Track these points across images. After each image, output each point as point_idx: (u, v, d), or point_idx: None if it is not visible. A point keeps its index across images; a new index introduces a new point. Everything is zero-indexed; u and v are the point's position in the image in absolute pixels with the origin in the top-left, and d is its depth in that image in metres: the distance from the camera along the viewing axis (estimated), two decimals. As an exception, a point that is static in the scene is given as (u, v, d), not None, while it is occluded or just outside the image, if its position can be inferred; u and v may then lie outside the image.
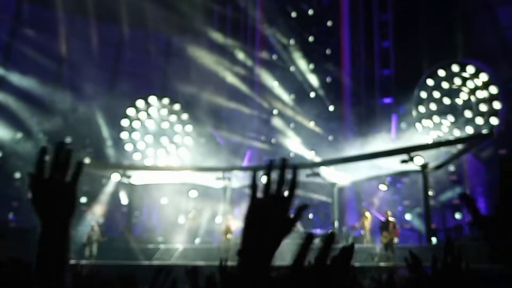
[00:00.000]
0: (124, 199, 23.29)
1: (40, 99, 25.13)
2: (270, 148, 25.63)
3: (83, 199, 24.88)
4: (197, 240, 20.37)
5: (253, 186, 1.18)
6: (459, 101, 21.01)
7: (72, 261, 16.30)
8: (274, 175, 1.19)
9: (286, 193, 1.17)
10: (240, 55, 27.90)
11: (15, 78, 24.68)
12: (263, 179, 1.18)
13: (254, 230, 1.13)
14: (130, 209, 21.56)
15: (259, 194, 1.17)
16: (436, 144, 17.33)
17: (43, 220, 1.26)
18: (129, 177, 20.24)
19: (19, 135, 25.03)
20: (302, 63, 27.02)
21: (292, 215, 1.16)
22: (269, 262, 1.13)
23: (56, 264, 1.21)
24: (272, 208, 1.14)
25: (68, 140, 22.06)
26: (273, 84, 27.84)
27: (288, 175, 1.18)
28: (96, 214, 22.82)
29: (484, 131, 18.70)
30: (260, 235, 1.12)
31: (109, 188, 23.60)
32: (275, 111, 27.30)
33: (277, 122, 26.61)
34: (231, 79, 27.30)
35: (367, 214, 19.40)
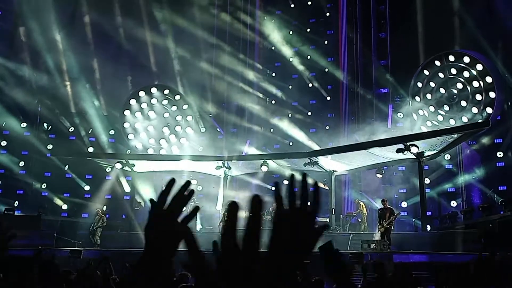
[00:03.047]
0: (126, 187, 23.77)
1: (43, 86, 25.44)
2: (269, 137, 25.97)
3: (87, 187, 25.36)
4: (198, 227, 20.87)
5: (278, 197, 1.24)
6: (454, 91, 21.31)
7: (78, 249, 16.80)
8: (297, 188, 1.26)
9: (310, 208, 1.19)
10: (238, 46, 28.11)
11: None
12: (287, 191, 1.26)
13: (282, 242, 1.15)
14: (133, 196, 22.02)
15: (284, 206, 1.22)
16: (432, 134, 17.64)
17: (147, 246, 1.29)
18: (132, 165, 20.65)
19: (23, 124, 25.39)
20: (299, 53, 27.28)
21: (316, 231, 1.17)
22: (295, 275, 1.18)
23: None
24: (298, 222, 1.17)
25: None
26: (272, 73, 28.17)
27: (311, 190, 1.22)
28: (99, 202, 23.30)
29: (480, 121, 19.03)
30: (288, 247, 1.13)
31: (112, 177, 24.07)
32: (273, 101, 27.64)
33: (275, 111, 26.93)
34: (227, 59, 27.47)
35: (361, 202, 19.90)
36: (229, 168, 20.84)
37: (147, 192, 23.21)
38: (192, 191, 1.31)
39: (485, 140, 20.81)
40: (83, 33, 26.12)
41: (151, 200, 1.32)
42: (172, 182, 1.32)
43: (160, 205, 1.29)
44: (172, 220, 1.27)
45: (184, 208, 1.30)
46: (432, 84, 21.84)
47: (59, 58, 25.59)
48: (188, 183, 1.32)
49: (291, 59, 27.32)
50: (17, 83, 24.84)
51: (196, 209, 1.33)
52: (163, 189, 1.31)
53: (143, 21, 26.45)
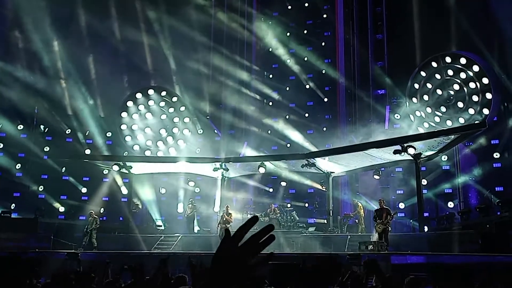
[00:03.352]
0: (124, 190, 23.71)
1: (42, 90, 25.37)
2: (266, 139, 25.97)
3: (84, 190, 25.29)
4: (196, 229, 20.84)
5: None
6: (451, 92, 21.38)
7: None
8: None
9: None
10: (235, 47, 28.12)
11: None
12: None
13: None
14: (130, 199, 21.97)
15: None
16: (429, 135, 17.67)
17: (212, 275, 1.27)
18: (129, 167, 20.62)
19: (20, 126, 25.30)
20: (296, 55, 27.31)
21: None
22: None
23: None
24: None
25: None
26: (269, 75, 28.20)
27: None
28: (96, 204, 23.25)
29: (477, 122, 19.10)
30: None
31: (109, 179, 24.03)
32: (271, 103, 27.65)
33: (272, 113, 26.95)
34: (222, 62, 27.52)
35: (359, 203, 19.90)
36: (227, 169, 20.83)
37: (148, 194, 23.23)
38: (273, 237, 1.25)
39: (481, 141, 20.85)
40: (79, 34, 26.05)
41: (227, 231, 1.32)
42: (254, 219, 1.29)
43: (236, 240, 1.26)
44: (243, 258, 1.25)
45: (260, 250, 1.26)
46: (429, 86, 21.92)
47: (55, 60, 25.51)
48: (271, 227, 1.28)
49: (288, 61, 27.35)
50: (14, 85, 24.76)
51: (270, 255, 1.29)
52: (243, 224, 1.28)
53: (139, 22, 26.42)
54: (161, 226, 21.86)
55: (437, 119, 21.57)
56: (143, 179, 23.04)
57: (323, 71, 26.51)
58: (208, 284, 1.24)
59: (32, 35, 24.55)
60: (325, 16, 27.55)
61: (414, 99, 22.23)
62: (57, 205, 24.62)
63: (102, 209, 23.86)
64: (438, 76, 21.64)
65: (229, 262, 1.24)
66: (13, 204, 23.84)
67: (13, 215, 21.67)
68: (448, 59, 21.28)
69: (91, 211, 19.32)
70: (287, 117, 26.67)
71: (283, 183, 23.61)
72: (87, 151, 25.13)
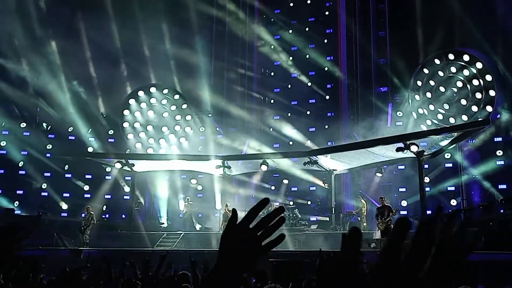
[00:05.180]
0: (126, 187, 23.76)
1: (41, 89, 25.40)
2: (268, 136, 25.93)
3: (86, 187, 25.34)
4: (198, 227, 20.86)
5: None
6: (454, 90, 21.31)
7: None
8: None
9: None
10: (237, 44, 28.08)
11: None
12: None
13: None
14: (133, 196, 22.00)
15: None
16: (432, 132, 17.61)
17: (220, 258, 1.24)
18: (132, 165, 20.63)
19: (23, 124, 25.35)
20: (298, 52, 27.24)
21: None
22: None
23: None
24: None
25: None
26: (271, 72, 28.15)
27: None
28: (99, 202, 23.29)
29: (480, 119, 19.03)
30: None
31: (112, 176, 24.07)
32: (272, 100, 27.61)
33: (274, 110, 26.91)
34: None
35: (363, 201, 19.86)
36: (229, 167, 20.82)
37: (151, 191, 23.26)
38: (283, 219, 1.25)
39: (484, 138, 20.78)
40: (79, 33, 26.06)
41: (234, 210, 1.31)
42: (265, 201, 1.27)
43: (247, 221, 1.25)
44: (254, 240, 1.23)
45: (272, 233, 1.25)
46: (432, 83, 21.84)
47: (56, 59, 25.52)
48: (281, 209, 1.27)
49: (290, 58, 27.29)
50: (16, 83, 24.80)
51: (281, 236, 1.26)
52: (255, 206, 1.27)
53: (140, 20, 26.36)
54: (163, 223, 21.88)
55: (440, 116, 21.51)
56: (145, 177, 23.07)
57: (326, 69, 26.45)
58: (218, 268, 1.22)
59: (32, 32, 24.59)
60: (327, 13, 27.45)
61: (417, 97, 22.16)
62: (60, 202, 24.69)
63: (105, 206, 23.90)
64: (441, 73, 21.58)
65: (241, 244, 1.22)
66: (17, 202, 23.92)
67: (16, 212, 21.77)
68: (451, 56, 21.21)
69: (88, 206, 19.34)
70: (289, 114, 26.63)
71: (285, 181, 23.59)
72: (90, 149, 25.17)
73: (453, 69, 21.24)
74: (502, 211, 16.78)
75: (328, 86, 26.58)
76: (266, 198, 1.28)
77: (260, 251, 1.23)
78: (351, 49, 25.59)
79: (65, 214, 24.04)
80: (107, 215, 23.82)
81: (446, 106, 21.44)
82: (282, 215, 1.25)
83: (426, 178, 19.51)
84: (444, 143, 17.47)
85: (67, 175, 25.01)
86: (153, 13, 26.14)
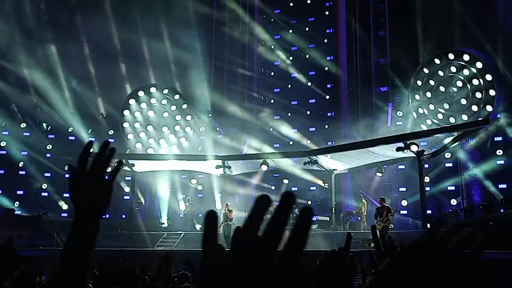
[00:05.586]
0: (126, 187, 23.75)
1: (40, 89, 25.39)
2: (268, 136, 25.93)
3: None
4: (198, 227, 20.84)
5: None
6: (454, 89, 21.30)
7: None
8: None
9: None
10: (237, 44, 28.08)
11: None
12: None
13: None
14: (133, 196, 21.99)
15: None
16: (432, 132, 17.62)
17: (76, 211, 1.26)
18: (132, 165, 20.62)
19: (23, 125, 25.35)
20: (298, 52, 27.24)
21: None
22: None
23: (80, 254, 1.22)
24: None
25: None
26: (271, 72, 28.15)
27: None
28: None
29: (480, 119, 19.01)
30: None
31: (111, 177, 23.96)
32: (272, 100, 27.61)
33: (275, 110, 26.91)
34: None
35: (364, 200, 19.85)
36: (229, 167, 20.81)
37: (151, 191, 23.24)
38: (114, 149, 1.30)
39: (484, 138, 20.78)
40: (79, 33, 26.07)
41: (69, 166, 1.33)
42: (90, 144, 1.32)
43: (82, 167, 1.29)
44: (97, 178, 1.27)
45: (108, 167, 1.30)
46: (432, 82, 21.83)
47: (56, 58, 25.52)
48: (106, 143, 1.31)
49: (290, 58, 27.29)
50: (16, 83, 24.79)
51: (120, 163, 1.33)
52: (81, 152, 1.31)
53: (140, 20, 26.36)
54: (164, 223, 21.87)
55: (440, 116, 21.50)
56: (145, 177, 23.06)
57: (326, 68, 26.46)
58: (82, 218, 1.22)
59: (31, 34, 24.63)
60: (327, 13, 27.48)
61: (417, 96, 22.15)
62: (60, 202, 24.69)
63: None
64: (441, 73, 21.56)
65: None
66: (17, 202, 23.94)
67: (17, 212, 21.79)
68: (451, 56, 21.19)
69: None
70: (289, 114, 26.63)
71: (285, 181, 23.59)
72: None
73: (453, 69, 21.23)
74: (502, 210, 16.77)
75: (328, 86, 26.60)
76: (90, 140, 1.32)
77: (107, 184, 1.27)
78: (351, 49, 25.61)
79: (65, 214, 24.01)
80: (107, 215, 23.76)
81: (446, 106, 21.43)
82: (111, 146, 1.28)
83: (426, 177, 19.51)
84: (447, 140, 17.46)
85: (67, 175, 24.94)
86: (153, 13, 26.15)
